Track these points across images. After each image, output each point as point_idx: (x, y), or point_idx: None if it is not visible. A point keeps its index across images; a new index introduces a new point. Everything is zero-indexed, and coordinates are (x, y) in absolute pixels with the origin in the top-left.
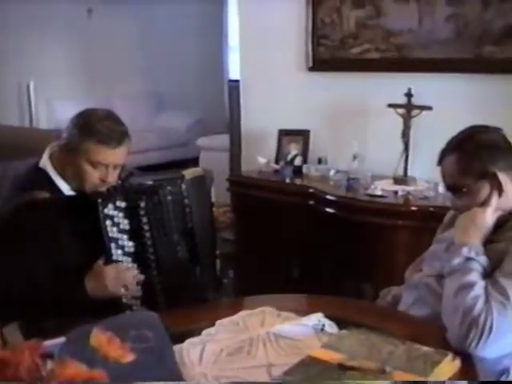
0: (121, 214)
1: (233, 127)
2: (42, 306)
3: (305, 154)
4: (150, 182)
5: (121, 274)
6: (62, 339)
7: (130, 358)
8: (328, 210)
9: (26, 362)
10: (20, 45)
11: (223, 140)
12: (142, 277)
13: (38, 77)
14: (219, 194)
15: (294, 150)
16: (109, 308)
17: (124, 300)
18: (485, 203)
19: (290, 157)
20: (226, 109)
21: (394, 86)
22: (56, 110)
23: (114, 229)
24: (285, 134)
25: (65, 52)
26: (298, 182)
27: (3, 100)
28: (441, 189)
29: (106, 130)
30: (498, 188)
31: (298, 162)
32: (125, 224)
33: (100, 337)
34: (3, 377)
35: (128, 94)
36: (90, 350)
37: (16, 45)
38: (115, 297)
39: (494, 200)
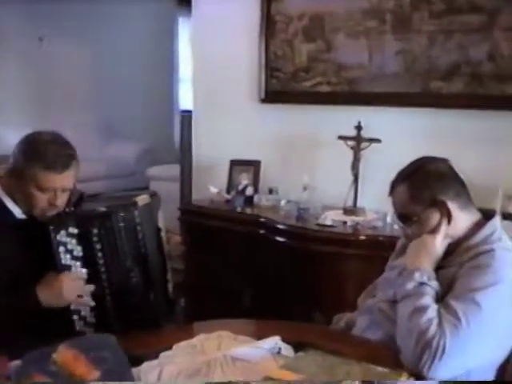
0: (74, 241)
1: (184, 157)
2: None
3: (256, 184)
4: (103, 208)
5: (75, 281)
6: (17, 362)
7: (95, 375)
8: (279, 238)
9: None
10: None
11: (173, 170)
12: (92, 287)
13: None
14: (169, 223)
15: (244, 180)
16: (62, 334)
17: (78, 327)
18: (434, 231)
19: (241, 187)
20: (175, 139)
21: (344, 118)
22: (4, 137)
23: (68, 256)
24: (236, 164)
25: (15, 79)
26: (248, 211)
27: None
28: (389, 219)
29: (51, 154)
30: (448, 216)
31: (249, 191)
32: (78, 251)
33: (66, 353)
34: None
35: (78, 123)
36: (54, 369)
37: None
38: (67, 317)
39: (444, 227)
